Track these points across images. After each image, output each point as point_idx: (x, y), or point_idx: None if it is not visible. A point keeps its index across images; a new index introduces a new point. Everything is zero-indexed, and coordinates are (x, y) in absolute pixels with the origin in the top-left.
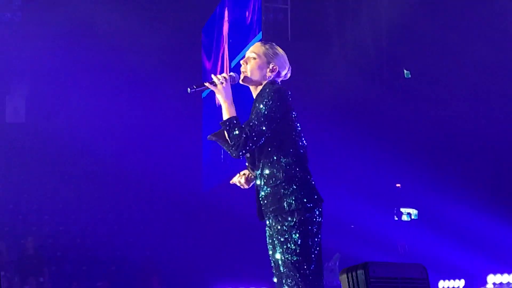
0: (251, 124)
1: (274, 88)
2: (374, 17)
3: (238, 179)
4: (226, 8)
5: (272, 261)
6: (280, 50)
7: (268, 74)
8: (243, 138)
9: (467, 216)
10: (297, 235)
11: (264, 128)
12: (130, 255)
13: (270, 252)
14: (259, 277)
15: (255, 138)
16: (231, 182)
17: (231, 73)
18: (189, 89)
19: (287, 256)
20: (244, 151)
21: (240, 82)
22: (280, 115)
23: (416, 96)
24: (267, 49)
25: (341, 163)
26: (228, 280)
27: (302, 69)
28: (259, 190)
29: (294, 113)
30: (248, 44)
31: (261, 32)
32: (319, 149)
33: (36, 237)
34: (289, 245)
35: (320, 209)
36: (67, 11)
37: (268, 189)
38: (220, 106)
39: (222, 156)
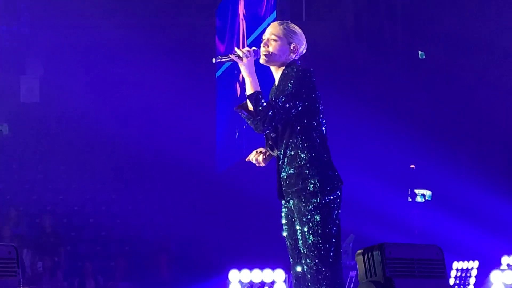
0: (278, 101)
1: (300, 69)
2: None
3: (256, 157)
4: None
5: (288, 242)
6: (297, 29)
7: (291, 54)
8: (270, 113)
9: (481, 197)
10: (320, 216)
11: (291, 106)
12: (144, 235)
13: (285, 234)
14: (274, 258)
15: (282, 115)
16: (247, 159)
17: (254, 48)
18: (214, 59)
19: (308, 236)
20: (269, 127)
21: (263, 62)
22: (306, 95)
23: (430, 76)
24: (285, 29)
25: (355, 144)
26: (242, 261)
27: (316, 49)
28: (280, 170)
29: (318, 93)
30: (262, 23)
31: (275, 11)
32: (333, 130)
33: (51, 216)
34: (311, 225)
35: (341, 191)
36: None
37: (292, 169)
38: (242, 81)
39: (236, 136)
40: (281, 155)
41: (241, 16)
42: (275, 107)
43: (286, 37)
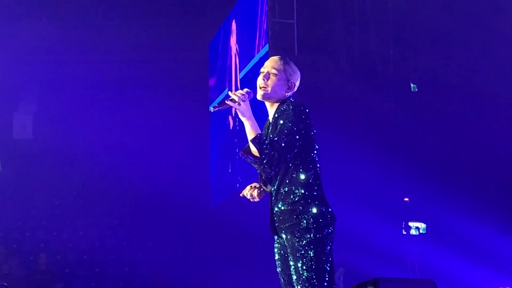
0: (279, 141)
1: (297, 105)
2: (381, 30)
3: (250, 192)
4: (234, 20)
5: (281, 278)
6: (295, 66)
7: (287, 91)
8: (276, 155)
9: (476, 230)
10: (313, 251)
11: (293, 144)
12: (139, 271)
13: (279, 269)
14: None
15: (287, 155)
16: (241, 194)
17: (246, 89)
18: (212, 108)
19: (302, 272)
20: (277, 169)
21: (258, 98)
22: (304, 132)
23: (424, 109)
24: (285, 65)
25: (349, 177)
26: None
27: (309, 83)
28: (273, 206)
29: (314, 129)
30: (254, 56)
31: (267, 44)
32: (327, 163)
33: (45, 254)
34: (305, 261)
35: (334, 227)
36: (74, 27)
37: (285, 205)
38: (235, 115)
39: (229, 170)
40: (274, 191)
41: (234, 51)
42: (278, 147)
43: (286, 73)
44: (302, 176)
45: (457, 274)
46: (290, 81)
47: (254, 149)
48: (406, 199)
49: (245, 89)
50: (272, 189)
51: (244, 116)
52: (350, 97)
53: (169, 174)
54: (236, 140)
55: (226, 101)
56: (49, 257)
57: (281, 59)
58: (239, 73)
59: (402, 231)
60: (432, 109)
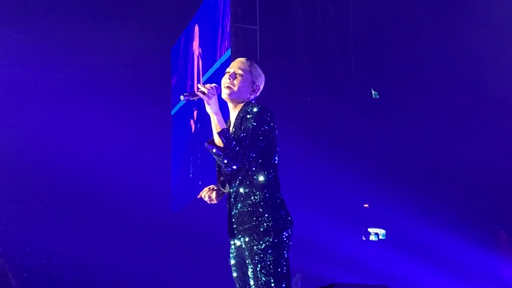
0: (245, 138)
1: (263, 108)
2: (343, 37)
3: (209, 193)
4: (197, 24)
5: (237, 284)
6: (260, 71)
7: (251, 93)
8: (241, 151)
9: (434, 236)
10: (271, 255)
11: (256, 143)
12: (97, 276)
13: (235, 274)
14: None
15: (251, 153)
16: (199, 196)
17: (214, 84)
18: (182, 97)
19: (260, 276)
20: (240, 164)
21: (223, 96)
22: (268, 134)
23: (384, 116)
24: (253, 67)
25: (309, 182)
26: None
27: (271, 89)
28: (232, 208)
29: (276, 133)
30: (217, 61)
31: (229, 49)
32: (287, 168)
33: (2, 258)
34: (263, 265)
35: (291, 232)
36: (36, 30)
37: (245, 207)
38: (196, 118)
39: (191, 175)
40: (234, 193)
41: (196, 54)
42: (243, 144)
43: (252, 76)
44: (263, 178)
45: (414, 280)
46: (255, 84)
47: (219, 142)
48: (365, 205)
49: (213, 84)
50: (231, 190)
51: (211, 109)
52: (311, 103)
53: (130, 178)
54: (198, 144)
55: (196, 92)
56: (6, 261)
57: (248, 61)
58: (202, 76)
59: (361, 237)
60: (392, 116)
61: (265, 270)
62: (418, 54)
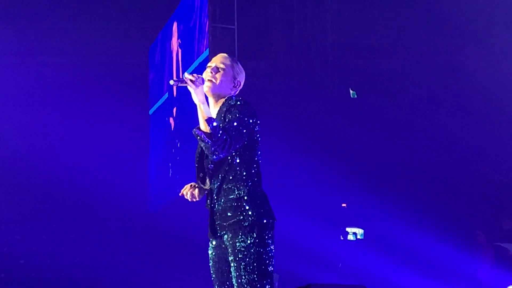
0: (231, 128)
1: (247, 103)
2: (320, 36)
3: (191, 191)
4: (175, 22)
5: (215, 284)
6: (242, 67)
7: (232, 89)
8: (228, 140)
9: (412, 236)
10: (256, 252)
11: (242, 135)
12: (76, 276)
13: (214, 276)
14: None
15: (236, 144)
16: (180, 194)
17: (200, 75)
18: (172, 81)
19: (244, 274)
20: (226, 153)
21: (205, 90)
22: (252, 127)
23: (363, 115)
24: (234, 63)
25: (286, 182)
26: None
27: (249, 89)
28: (214, 204)
29: (258, 129)
30: (195, 60)
31: (208, 49)
32: (264, 168)
33: None
34: (247, 262)
35: (273, 224)
36: (12, 29)
37: (228, 203)
38: (176, 116)
39: (170, 174)
40: (216, 189)
41: (175, 52)
42: (230, 133)
43: (233, 71)
44: (246, 173)
45: (392, 280)
46: (236, 79)
47: (206, 129)
48: (343, 204)
49: (199, 75)
50: (214, 186)
51: (198, 98)
52: (289, 103)
53: (107, 177)
54: (177, 141)
55: (185, 78)
56: None
57: (229, 56)
58: (181, 74)
59: (339, 237)
60: (370, 116)
61: (249, 268)
62: (396, 54)
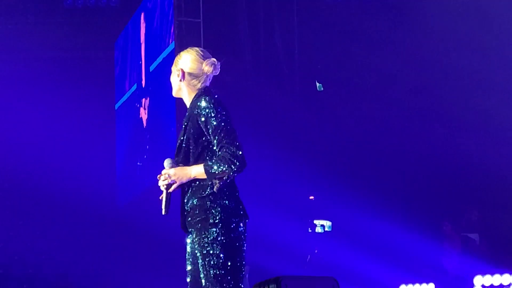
0: (223, 140)
1: (213, 101)
2: (286, 30)
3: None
4: (143, 14)
5: (188, 276)
6: (189, 52)
7: (179, 79)
8: (229, 153)
9: (380, 228)
10: (220, 248)
11: (232, 131)
12: (43, 272)
13: (189, 268)
14: None
15: (235, 141)
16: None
17: (166, 163)
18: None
19: (209, 270)
20: (242, 158)
21: (173, 95)
22: (226, 118)
23: (328, 108)
24: (177, 57)
25: (254, 175)
26: None
27: (214, 82)
28: (185, 202)
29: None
30: (162, 52)
31: (173, 41)
32: None
33: None
34: (212, 258)
35: (245, 225)
36: None
37: (195, 200)
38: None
39: (139, 165)
40: (187, 187)
41: (142, 44)
42: (230, 147)
43: (176, 66)
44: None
45: (361, 271)
46: (177, 70)
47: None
48: (311, 197)
49: (167, 163)
50: (185, 184)
51: (190, 177)
52: (255, 96)
53: (73, 172)
54: (148, 135)
55: (166, 192)
56: None
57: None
58: (149, 66)
59: (307, 229)
60: (336, 109)
61: (214, 263)
62: (362, 48)
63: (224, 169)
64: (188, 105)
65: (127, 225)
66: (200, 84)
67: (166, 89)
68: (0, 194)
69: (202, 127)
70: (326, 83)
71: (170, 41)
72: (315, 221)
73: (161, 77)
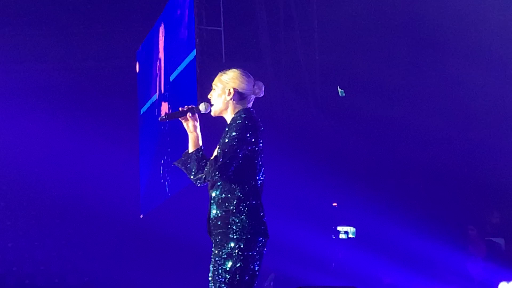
0: (222, 154)
1: (246, 116)
2: (307, 36)
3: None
4: (163, 24)
5: (210, 282)
6: (237, 72)
7: (227, 98)
8: (211, 169)
9: (404, 233)
10: (231, 263)
11: (235, 156)
12: (69, 281)
13: (210, 277)
14: None
15: (228, 167)
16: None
17: (203, 103)
18: (159, 118)
19: (217, 284)
20: (211, 179)
21: (212, 113)
22: (249, 142)
23: (351, 114)
24: (221, 75)
25: (276, 183)
26: None
27: None
28: (211, 210)
29: (261, 144)
30: (183, 61)
31: (195, 49)
32: None
33: None
34: (220, 272)
35: (264, 244)
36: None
37: (219, 211)
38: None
39: (161, 176)
40: (213, 197)
41: (162, 54)
42: (216, 164)
43: (222, 83)
44: (239, 188)
45: (384, 278)
46: (226, 89)
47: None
48: (334, 204)
49: (203, 103)
50: (213, 194)
51: (188, 129)
52: (276, 103)
53: (97, 182)
54: (168, 138)
55: (178, 111)
56: None
57: (221, 72)
58: (169, 76)
59: (331, 236)
60: (359, 114)
61: (222, 277)
62: (383, 53)
63: (203, 170)
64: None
65: (151, 233)
66: (247, 104)
67: (186, 97)
68: (25, 204)
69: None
70: (348, 88)
71: (191, 50)
72: (339, 228)
73: (181, 86)
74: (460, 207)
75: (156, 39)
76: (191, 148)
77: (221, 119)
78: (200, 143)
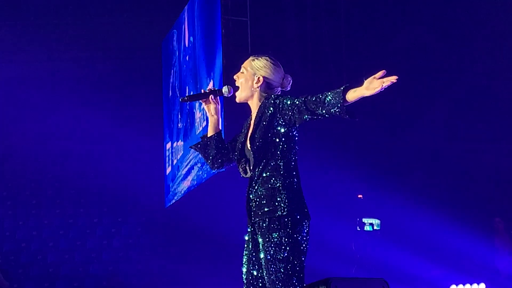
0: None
1: (285, 96)
2: (334, 26)
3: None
4: (188, 15)
5: (244, 277)
6: (269, 61)
7: (254, 86)
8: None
9: (430, 227)
10: (287, 246)
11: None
12: (93, 270)
13: (245, 269)
14: None
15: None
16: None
17: (225, 86)
18: (181, 99)
19: (272, 275)
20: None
21: (237, 100)
22: None
23: (378, 106)
24: (253, 59)
25: (301, 174)
26: None
27: None
28: (251, 192)
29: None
30: (209, 51)
31: (220, 40)
32: None
33: None
34: (278, 254)
35: (308, 225)
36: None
37: (264, 190)
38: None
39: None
40: (255, 176)
41: (187, 45)
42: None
43: (252, 69)
44: (286, 165)
45: (410, 270)
46: (256, 76)
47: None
48: (359, 195)
49: (226, 86)
50: (255, 173)
51: (209, 112)
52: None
53: (122, 172)
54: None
55: (201, 93)
56: (1, 258)
57: (252, 57)
58: (195, 67)
59: (356, 228)
60: (384, 107)
61: (278, 260)
62: (411, 46)
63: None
64: (254, 111)
65: (175, 223)
66: (265, 90)
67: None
68: (49, 195)
69: (277, 111)
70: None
71: (217, 42)
72: (364, 220)
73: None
74: (487, 199)
75: (182, 31)
76: (210, 132)
77: None
78: (220, 127)
